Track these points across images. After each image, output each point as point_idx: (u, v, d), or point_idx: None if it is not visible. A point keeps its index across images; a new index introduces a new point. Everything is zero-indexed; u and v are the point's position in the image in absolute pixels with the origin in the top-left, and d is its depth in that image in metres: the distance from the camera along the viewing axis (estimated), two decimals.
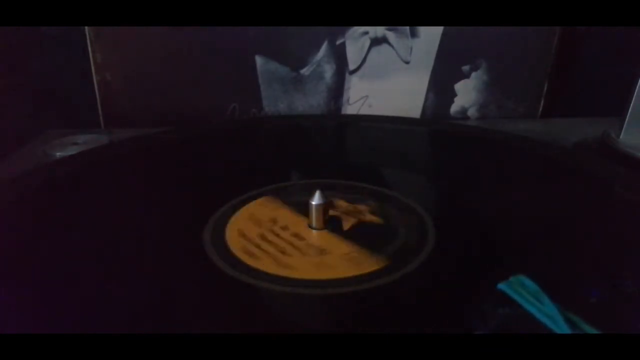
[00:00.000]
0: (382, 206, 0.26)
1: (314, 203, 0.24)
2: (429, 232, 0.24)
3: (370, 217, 0.25)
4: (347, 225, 0.24)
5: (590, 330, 0.15)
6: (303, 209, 0.25)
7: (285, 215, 0.25)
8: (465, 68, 0.44)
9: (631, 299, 0.18)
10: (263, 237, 0.23)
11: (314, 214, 0.24)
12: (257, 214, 0.25)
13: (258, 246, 0.23)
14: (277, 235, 0.24)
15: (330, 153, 0.36)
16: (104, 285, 0.20)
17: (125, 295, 0.19)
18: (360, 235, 0.23)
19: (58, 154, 0.34)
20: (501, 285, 0.17)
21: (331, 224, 0.24)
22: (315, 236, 0.24)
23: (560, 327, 0.15)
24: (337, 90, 0.44)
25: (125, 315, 0.18)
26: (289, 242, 0.23)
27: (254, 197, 0.27)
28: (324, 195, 0.24)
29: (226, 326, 0.18)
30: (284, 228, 0.24)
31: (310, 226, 0.24)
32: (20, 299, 0.19)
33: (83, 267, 0.21)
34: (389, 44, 0.43)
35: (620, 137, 0.32)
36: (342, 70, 0.44)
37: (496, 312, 0.17)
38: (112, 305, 0.19)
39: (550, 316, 0.16)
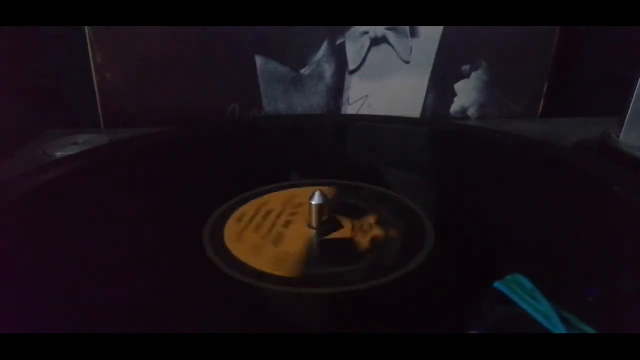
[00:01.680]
0: (380, 205, 0.26)
1: (314, 203, 0.24)
2: (429, 231, 0.24)
3: (374, 232, 0.24)
4: (364, 243, 0.24)
5: (585, 328, 0.16)
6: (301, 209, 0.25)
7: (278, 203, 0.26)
8: (465, 68, 0.44)
9: (628, 297, 0.18)
10: (259, 229, 0.24)
11: (314, 214, 0.24)
12: (255, 214, 0.26)
13: (258, 245, 0.23)
14: (273, 223, 0.24)
15: (330, 153, 0.36)
16: (103, 285, 0.20)
17: (125, 295, 0.19)
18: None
19: (58, 154, 0.34)
20: (497, 284, 0.17)
21: (331, 224, 0.24)
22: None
23: (556, 325, 0.15)
24: (337, 90, 0.44)
25: (125, 315, 0.18)
26: (282, 225, 0.24)
27: (254, 197, 0.27)
28: (324, 195, 0.24)
29: (225, 326, 0.18)
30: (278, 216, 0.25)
31: (310, 226, 0.24)
32: (20, 299, 0.19)
33: (83, 267, 0.21)
34: (389, 44, 0.43)
35: (620, 137, 0.32)
36: (342, 70, 0.44)
37: (493, 310, 0.17)
38: (112, 305, 0.19)
39: (545, 315, 0.16)
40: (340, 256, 0.22)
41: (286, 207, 0.26)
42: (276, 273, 0.21)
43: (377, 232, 0.24)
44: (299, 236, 0.24)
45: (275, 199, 0.27)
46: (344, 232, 0.24)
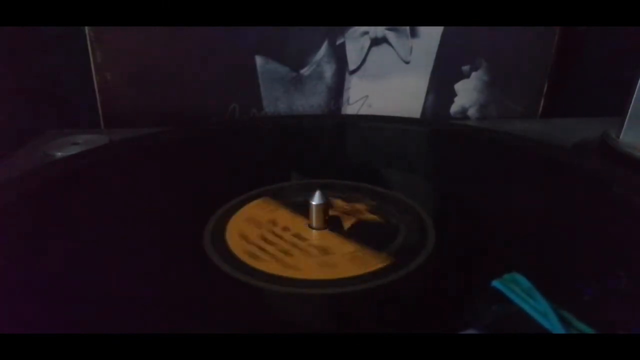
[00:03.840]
0: (380, 205, 0.26)
1: (314, 203, 0.24)
2: (429, 231, 0.24)
3: (369, 216, 0.25)
4: (347, 224, 0.24)
5: (582, 327, 0.16)
6: (301, 209, 0.25)
7: (285, 216, 0.25)
8: (465, 68, 0.44)
9: (624, 296, 0.18)
10: (264, 239, 0.23)
11: (314, 214, 0.24)
12: (256, 216, 0.25)
13: (260, 248, 0.23)
14: (279, 236, 0.24)
15: (330, 153, 0.36)
16: (103, 285, 0.20)
17: (125, 295, 0.19)
18: (362, 235, 0.23)
19: (58, 154, 0.34)
20: (495, 283, 0.17)
21: (331, 223, 0.24)
22: (316, 236, 0.24)
23: (553, 323, 0.15)
24: (337, 90, 0.44)
25: (126, 315, 0.18)
26: (291, 242, 0.23)
27: (254, 197, 0.27)
28: (324, 195, 0.24)
29: (226, 327, 0.18)
30: (285, 229, 0.24)
31: (310, 226, 0.24)
32: (20, 299, 0.19)
33: (83, 267, 0.21)
34: (389, 44, 0.43)
35: (620, 137, 0.32)
36: (342, 70, 0.44)
37: (491, 309, 0.17)
38: (112, 305, 0.19)
39: (543, 313, 0.16)
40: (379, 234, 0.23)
41: (285, 207, 0.26)
42: (278, 273, 0.21)
43: (367, 216, 0.24)
44: (319, 238, 0.24)
45: (273, 200, 0.27)
46: (349, 220, 0.24)
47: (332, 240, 0.23)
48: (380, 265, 0.21)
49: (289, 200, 0.27)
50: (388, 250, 0.22)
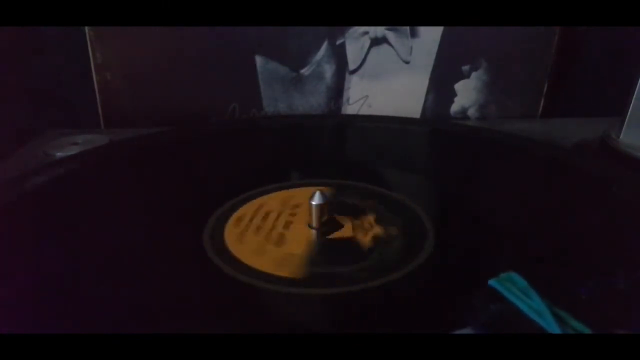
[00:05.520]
0: (385, 210, 0.26)
1: (314, 203, 0.24)
2: (428, 231, 0.24)
3: (374, 230, 0.24)
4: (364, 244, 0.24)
5: (578, 326, 0.16)
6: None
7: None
8: (465, 68, 0.44)
9: (620, 295, 0.18)
10: (258, 228, 0.24)
11: (314, 214, 0.24)
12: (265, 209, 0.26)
13: (258, 243, 0.23)
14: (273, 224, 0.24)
15: (330, 153, 0.36)
16: (103, 286, 0.20)
17: (125, 295, 0.19)
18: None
19: (58, 154, 0.34)
20: (491, 282, 0.18)
21: (332, 223, 0.24)
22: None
23: (548, 322, 0.16)
24: (337, 90, 0.44)
25: (125, 316, 0.18)
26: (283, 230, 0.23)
27: (254, 197, 0.27)
28: (324, 195, 0.24)
29: (227, 327, 0.18)
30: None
31: (310, 226, 0.24)
32: (20, 299, 0.19)
33: (83, 267, 0.21)
34: (389, 44, 0.43)
35: (620, 137, 0.32)
36: (342, 70, 0.44)
37: (487, 308, 0.17)
38: (112, 305, 0.19)
39: (538, 312, 0.16)
40: (343, 256, 0.22)
41: (284, 207, 0.26)
42: (278, 274, 0.21)
43: (377, 230, 0.24)
44: (300, 236, 0.24)
45: (272, 200, 0.27)
46: (345, 232, 0.24)
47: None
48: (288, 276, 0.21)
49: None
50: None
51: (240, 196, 0.27)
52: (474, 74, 0.44)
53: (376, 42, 0.43)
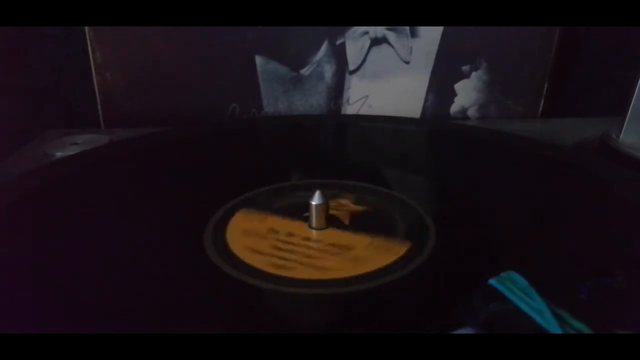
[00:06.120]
0: (360, 195, 0.27)
1: (314, 203, 0.24)
2: (429, 230, 0.24)
3: (357, 207, 0.25)
4: (346, 219, 0.24)
5: (578, 325, 0.16)
6: (290, 212, 0.25)
7: (279, 223, 0.25)
8: (465, 68, 0.44)
9: (620, 295, 0.18)
10: (278, 248, 0.23)
11: (314, 214, 0.24)
12: (253, 228, 0.25)
13: (282, 258, 0.22)
14: (290, 243, 0.23)
15: (330, 153, 0.36)
16: (103, 286, 0.20)
17: (125, 295, 0.19)
18: (366, 226, 0.24)
19: (58, 154, 0.34)
20: (492, 281, 0.18)
21: (332, 222, 0.24)
22: (325, 235, 0.24)
23: (549, 322, 0.16)
24: (337, 90, 0.44)
25: (126, 316, 0.18)
26: (306, 246, 0.23)
27: (254, 197, 0.27)
28: (324, 195, 0.24)
29: (227, 327, 0.18)
30: (290, 235, 0.24)
31: (311, 227, 0.24)
32: (20, 299, 0.19)
33: (83, 267, 0.21)
34: (389, 44, 0.43)
35: (620, 137, 0.32)
36: (342, 70, 0.44)
37: (487, 307, 0.17)
38: (112, 305, 0.19)
39: (538, 311, 0.16)
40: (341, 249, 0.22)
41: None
42: (278, 273, 0.21)
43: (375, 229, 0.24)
44: (311, 239, 0.24)
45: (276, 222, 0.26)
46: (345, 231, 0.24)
47: (342, 236, 0.23)
48: (405, 249, 0.22)
49: (270, 208, 0.26)
50: (400, 235, 0.23)
51: (240, 196, 0.27)
52: (474, 74, 0.44)
53: (376, 42, 0.43)
